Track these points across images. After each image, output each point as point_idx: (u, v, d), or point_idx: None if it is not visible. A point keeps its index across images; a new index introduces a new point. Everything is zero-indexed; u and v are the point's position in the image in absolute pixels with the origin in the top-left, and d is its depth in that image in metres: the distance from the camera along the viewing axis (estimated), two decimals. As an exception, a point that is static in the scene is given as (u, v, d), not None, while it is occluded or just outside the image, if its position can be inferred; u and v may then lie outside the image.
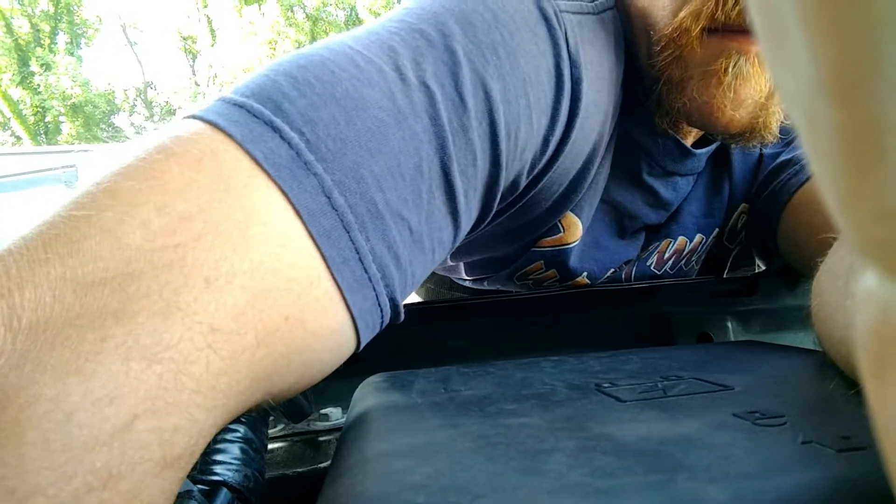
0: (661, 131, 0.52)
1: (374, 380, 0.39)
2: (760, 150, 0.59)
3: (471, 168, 0.35)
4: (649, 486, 0.19)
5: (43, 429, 0.19)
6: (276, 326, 0.25)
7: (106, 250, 0.22)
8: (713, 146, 0.56)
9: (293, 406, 0.35)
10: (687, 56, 0.44)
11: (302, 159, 0.27)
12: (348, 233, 0.28)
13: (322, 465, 0.37)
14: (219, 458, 0.27)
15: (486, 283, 0.67)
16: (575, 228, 0.54)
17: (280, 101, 0.28)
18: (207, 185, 0.25)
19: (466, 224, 0.37)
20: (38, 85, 11.57)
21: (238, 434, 0.29)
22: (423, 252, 0.33)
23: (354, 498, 0.20)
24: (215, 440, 0.28)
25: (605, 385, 0.32)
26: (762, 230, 0.59)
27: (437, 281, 0.84)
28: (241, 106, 0.28)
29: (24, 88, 11.57)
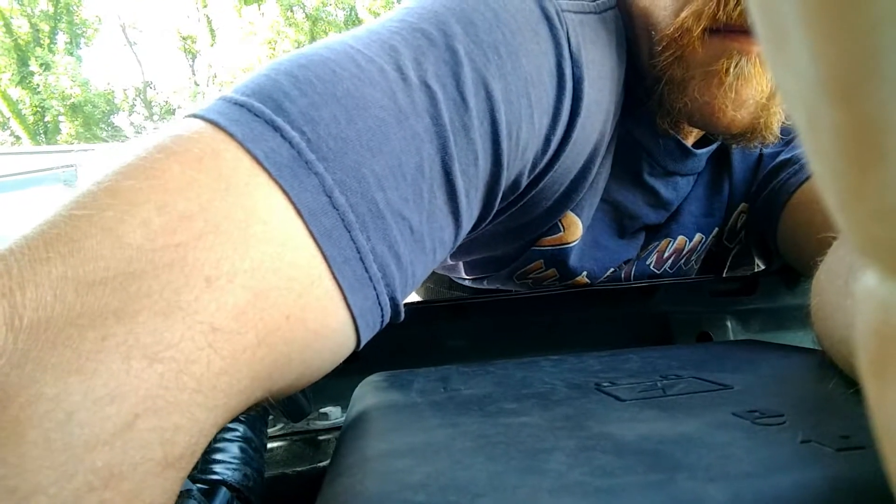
0: (662, 131, 0.52)
1: (373, 379, 0.39)
2: (760, 149, 0.59)
3: (472, 168, 0.35)
4: (649, 486, 0.19)
5: (44, 428, 0.19)
6: (276, 325, 0.25)
7: (107, 249, 0.22)
8: (714, 146, 0.56)
9: (292, 405, 0.35)
10: (688, 56, 0.44)
11: (303, 158, 0.27)
12: (349, 232, 0.28)
13: (321, 464, 0.37)
14: (218, 457, 0.27)
15: (485, 283, 0.67)
16: (575, 228, 0.54)
17: (281, 100, 0.28)
18: (208, 184, 0.25)
19: (467, 224, 0.37)
20: (38, 85, 11.56)
21: (237, 433, 0.29)
22: (423, 252, 0.33)
23: (354, 497, 0.20)
24: (215, 439, 0.28)
25: (605, 384, 0.32)
26: (762, 229, 0.59)
27: (436, 280, 0.84)
28: (241, 105, 0.28)
29: (23, 88, 11.57)
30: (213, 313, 0.23)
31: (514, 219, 0.49)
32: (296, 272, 0.26)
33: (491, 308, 0.56)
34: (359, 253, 0.28)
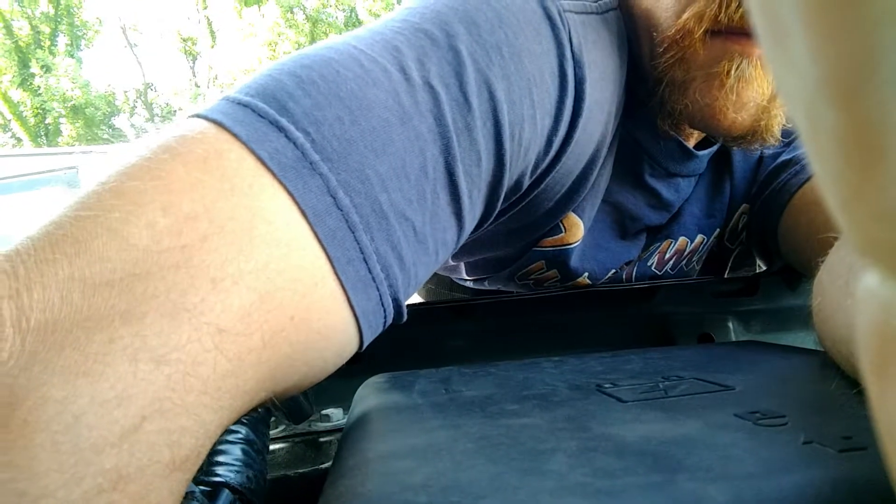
0: (663, 133, 0.52)
1: (375, 380, 0.39)
2: (761, 151, 0.59)
3: (475, 168, 0.35)
4: (650, 487, 0.19)
5: (52, 431, 0.19)
6: (281, 327, 0.25)
7: (113, 251, 0.22)
8: (715, 147, 0.56)
9: (294, 407, 0.35)
10: (690, 58, 0.44)
11: (307, 159, 0.27)
12: (353, 233, 0.28)
13: (323, 465, 0.37)
14: (220, 459, 0.27)
15: (486, 283, 0.67)
16: (576, 229, 0.54)
17: (285, 100, 0.28)
18: (213, 184, 0.25)
19: (470, 224, 0.37)
20: (39, 87, 11.57)
21: (240, 435, 0.29)
22: (426, 253, 0.33)
23: (356, 498, 0.20)
24: (217, 441, 0.28)
25: (607, 385, 0.32)
26: (763, 230, 0.59)
27: (437, 281, 0.84)
28: (245, 105, 0.28)
29: (24, 90, 11.58)
30: (219, 315, 0.23)
31: (516, 219, 0.49)
32: (300, 273, 0.26)
33: (492, 309, 0.56)
34: (362, 254, 0.28)
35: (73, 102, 11.85)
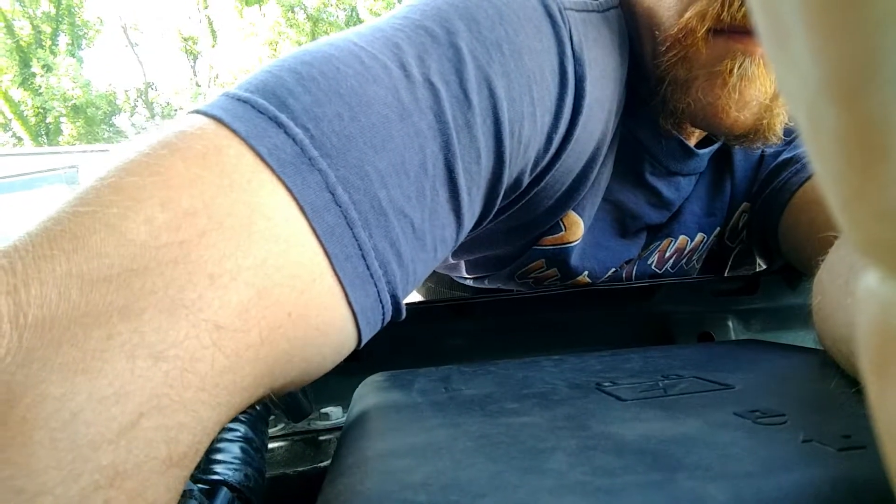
0: (664, 131, 0.52)
1: (374, 379, 0.39)
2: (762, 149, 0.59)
3: (475, 165, 0.35)
4: (650, 485, 0.19)
5: (50, 428, 0.19)
6: (279, 323, 0.25)
7: (111, 246, 0.22)
8: (716, 146, 0.56)
9: (293, 405, 0.35)
10: (692, 57, 0.44)
11: (306, 155, 0.27)
12: (352, 229, 0.28)
13: (322, 464, 0.37)
14: (219, 457, 0.27)
15: (486, 282, 0.67)
16: (577, 227, 0.54)
17: (284, 96, 0.28)
18: (212, 180, 0.25)
19: (469, 222, 0.37)
20: (40, 86, 11.58)
21: (238, 433, 0.29)
22: (425, 250, 0.33)
23: (355, 497, 0.20)
24: (216, 439, 0.28)
25: (606, 384, 0.32)
26: (763, 229, 0.59)
27: (437, 280, 0.84)
28: (245, 101, 0.28)
29: (25, 90, 11.58)
30: (217, 311, 0.23)
31: (516, 217, 0.49)
32: (298, 269, 0.26)
33: (492, 308, 0.56)
34: (361, 250, 0.28)
35: (73, 102, 11.85)
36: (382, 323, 0.32)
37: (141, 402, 0.20)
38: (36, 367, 0.19)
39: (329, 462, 0.35)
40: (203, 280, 0.23)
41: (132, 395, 0.20)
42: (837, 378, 0.30)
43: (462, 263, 0.65)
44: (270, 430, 0.41)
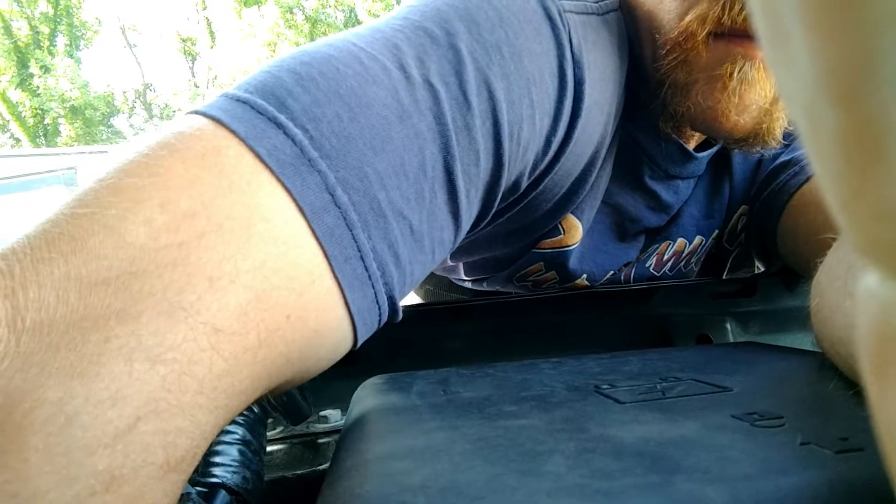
0: (664, 135, 0.52)
1: (373, 381, 0.38)
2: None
3: (473, 167, 0.34)
4: (648, 488, 0.19)
5: (46, 433, 0.19)
6: (277, 325, 0.25)
7: (109, 248, 0.22)
8: (715, 149, 0.56)
9: (292, 408, 0.35)
10: (692, 60, 0.44)
11: (306, 156, 0.27)
12: (351, 231, 0.28)
13: (321, 467, 0.37)
14: (217, 459, 0.27)
15: (485, 284, 0.67)
16: (575, 230, 0.54)
17: (284, 97, 0.28)
18: (211, 181, 0.25)
19: (467, 224, 0.37)
20: (38, 87, 11.57)
21: (236, 436, 0.29)
22: (423, 251, 0.33)
23: (353, 500, 0.20)
24: (214, 442, 0.28)
25: (604, 387, 0.32)
26: (762, 231, 0.59)
27: (436, 282, 0.84)
28: (244, 102, 0.28)
29: (23, 91, 11.58)
30: (216, 314, 0.23)
31: (515, 220, 0.49)
32: (297, 271, 0.26)
33: (490, 310, 0.56)
34: (359, 252, 0.28)
35: (71, 103, 11.85)
36: (379, 324, 0.32)
37: (138, 406, 0.20)
38: (34, 371, 0.19)
39: (328, 465, 0.35)
40: (202, 283, 0.23)
41: (129, 399, 0.20)
42: (835, 380, 0.30)
43: (461, 265, 0.65)
44: (269, 433, 0.41)
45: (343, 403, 0.42)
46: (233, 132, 0.26)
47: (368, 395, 0.35)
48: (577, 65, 0.41)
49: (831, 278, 0.34)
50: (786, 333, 0.59)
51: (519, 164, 0.39)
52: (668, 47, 0.45)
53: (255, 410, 0.32)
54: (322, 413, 0.43)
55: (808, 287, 0.38)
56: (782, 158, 0.58)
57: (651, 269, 0.65)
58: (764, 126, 0.46)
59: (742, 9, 0.41)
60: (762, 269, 0.67)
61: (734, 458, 0.20)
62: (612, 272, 0.61)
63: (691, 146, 0.55)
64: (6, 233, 0.23)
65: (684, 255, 0.64)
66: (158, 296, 0.22)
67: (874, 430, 0.11)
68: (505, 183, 0.38)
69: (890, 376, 0.10)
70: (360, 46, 0.33)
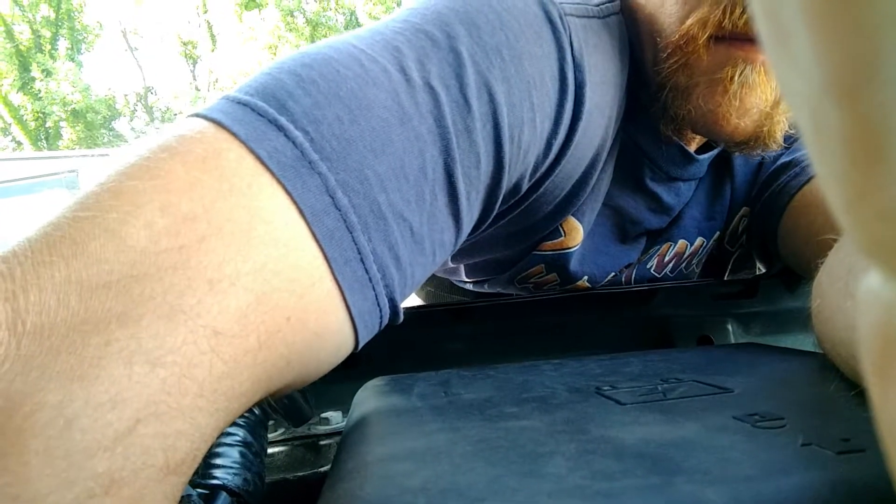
0: (665, 137, 0.52)
1: (374, 383, 0.38)
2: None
3: (474, 170, 0.34)
4: (649, 489, 0.18)
5: (45, 436, 0.19)
6: (277, 328, 0.25)
7: (110, 252, 0.22)
8: (716, 151, 0.56)
9: (294, 410, 0.35)
10: (693, 63, 0.44)
11: (306, 158, 0.27)
12: (351, 233, 0.28)
13: (322, 468, 0.37)
14: (218, 461, 0.27)
15: (486, 286, 0.67)
16: (576, 233, 0.54)
17: (284, 99, 0.28)
18: (211, 184, 0.25)
19: (467, 226, 0.37)
20: (39, 90, 11.59)
21: (237, 438, 0.29)
22: (423, 254, 0.33)
23: (354, 502, 0.20)
24: (215, 444, 0.28)
25: (605, 388, 0.32)
26: (763, 232, 0.59)
27: (436, 284, 0.84)
28: (245, 104, 0.28)
29: (24, 94, 11.60)
30: (216, 317, 0.23)
31: (515, 223, 0.49)
32: (297, 273, 0.26)
33: (491, 312, 0.56)
34: (360, 254, 0.28)
35: (73, 106, 11.87)
36: (380, 326, 0.32)
37: (138, 409, 0.20)
38: (34, 375, 0.19)
39: (329, 467, 0.35)
40: (202, 286, 0.23)
41: (129, 402, 0.20)
42: (837, 381, 0.30)
43: (462, 267, 0.65)
44: (270, 435, 0.41)
45: (344, 405, 0.42)
46: (233, 135, 0.26)
47: (369, 397, 0.35)
48: (577, 68, 0.41)
49: (832, 279, 0.34)
50: (787, 334, 0.59)
51: (519, 166, 0.39)
52: (669, 51, 0.45)
53: (257, 412, 0.32)
54: (323, 415, 0.43)
55: (809, 288, 0.38)
56: (783, 160, 0.58)
57: (652, 271, 0.65)
58: (765, 129, 0.46)
59: (743, 12, 0.41)
60: (763, 271, 0.67)
61: (735, 460, 0.20)
62: (613, 274, 0.61)
63: (692, 148, 0.55)
64: (8, 236, 0.23)
65: (685, 256, 0.64)
66: (159, 299, 0.22)
67: (876, 430, 0.11)
68: (506, 185, 0.38)
69: (892, 377, 0.10)
70: (360, 49, 0.33)
